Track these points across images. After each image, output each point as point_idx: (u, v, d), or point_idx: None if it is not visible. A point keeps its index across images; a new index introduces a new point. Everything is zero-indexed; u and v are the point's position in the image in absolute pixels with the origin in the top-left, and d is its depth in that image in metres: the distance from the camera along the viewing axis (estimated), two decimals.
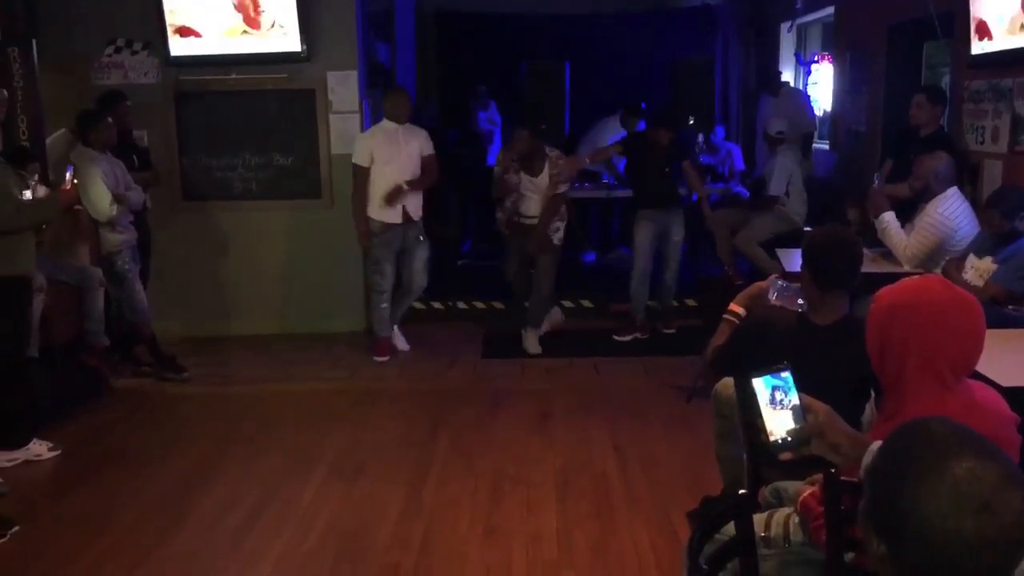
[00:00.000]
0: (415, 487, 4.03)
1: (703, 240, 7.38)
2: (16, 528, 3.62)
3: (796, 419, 1.70)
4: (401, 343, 6.16)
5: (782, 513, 2.35)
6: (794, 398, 1.70)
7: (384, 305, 5.93)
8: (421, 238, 5.96)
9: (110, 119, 5.34)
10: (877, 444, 1.71)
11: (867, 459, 1.69)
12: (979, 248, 4.13)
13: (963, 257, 4.18)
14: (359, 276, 6.55)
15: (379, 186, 5.73)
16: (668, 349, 5.91)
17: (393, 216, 5.80)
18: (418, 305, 6.69)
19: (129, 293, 5.43)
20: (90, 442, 4.68)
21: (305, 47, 6.13)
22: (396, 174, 5.72)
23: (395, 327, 6.12)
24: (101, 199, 5.13)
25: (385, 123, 5.80)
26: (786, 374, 1.69)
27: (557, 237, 6.00)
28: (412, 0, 9.00)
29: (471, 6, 9.33)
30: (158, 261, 6.15)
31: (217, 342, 6.32)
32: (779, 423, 1.69)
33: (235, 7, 6.05)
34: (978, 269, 4.08)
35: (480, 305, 6.63)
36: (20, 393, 4.32)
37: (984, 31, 4.77)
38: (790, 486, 2.46)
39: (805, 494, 2.22)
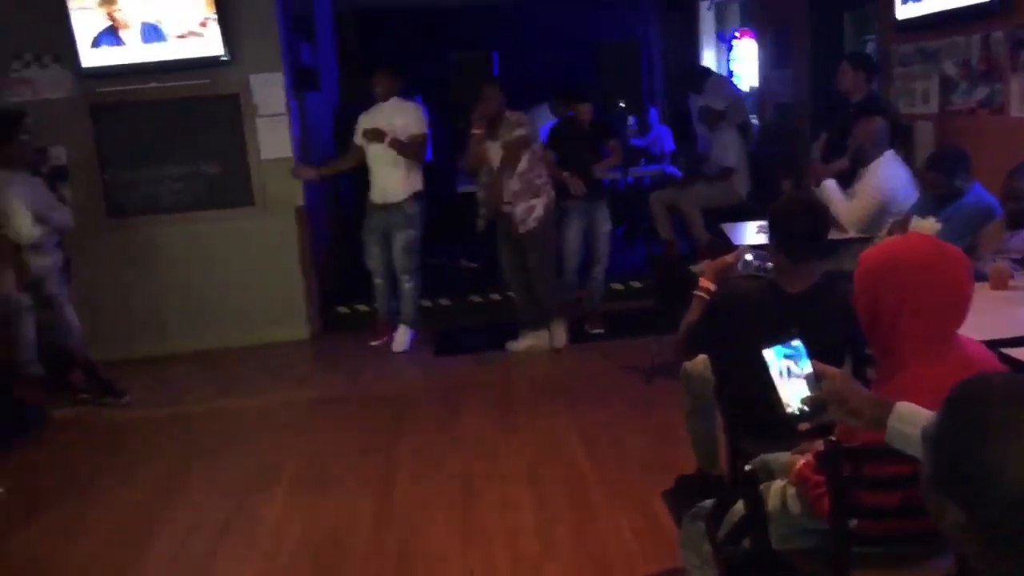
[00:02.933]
0: (384, 494, 3.92)
1: (642, 221, 7.41)
2: None
3: (810, 387, 1.67)
4: (398, 343, 6.01)
5: (776, 486, 2.32)
6: (807, 366, 1.67)
7: (377, 281, 6.01)
8: (405, 221, 5.83)
9: (23, 137, 5.06)
10: (905, 406, 1.69)
11: (897, 424, 1.66)
12: (921, 209, 4.20)
13: (907, 219, 4.25)
14: (299, 282, 6.39)
15: (374, 168, 5.84)
16: (624, 332, 5.88)
17: (375, 196, 5.85)
18: (363, 307, 6.57)
19: (60, 317, 5.17)
20: (35, 478, 4.44)
21: (227, 51, 5.93)
22: (379, 151, 5.75)
23: (402, 325, 6.02)
24: (22, 221, 4.85)
25: (378, 103, 5.87)
26: (797, 342, 1.66)
27: (535, 218, 5.52)
28: None
29: (391, 1, 9.18)
30: (86, 282, 5.88)
31: (157, 362, 6.08)
32: (793, 393, 1.66)
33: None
34: (922, 228, 4.12)
35: (427, 303, 6.51)
36: None
37: None
38: (778, 458, 2.45)
39: (799, 464, 2.20)
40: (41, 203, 5.01)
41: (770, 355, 1.64)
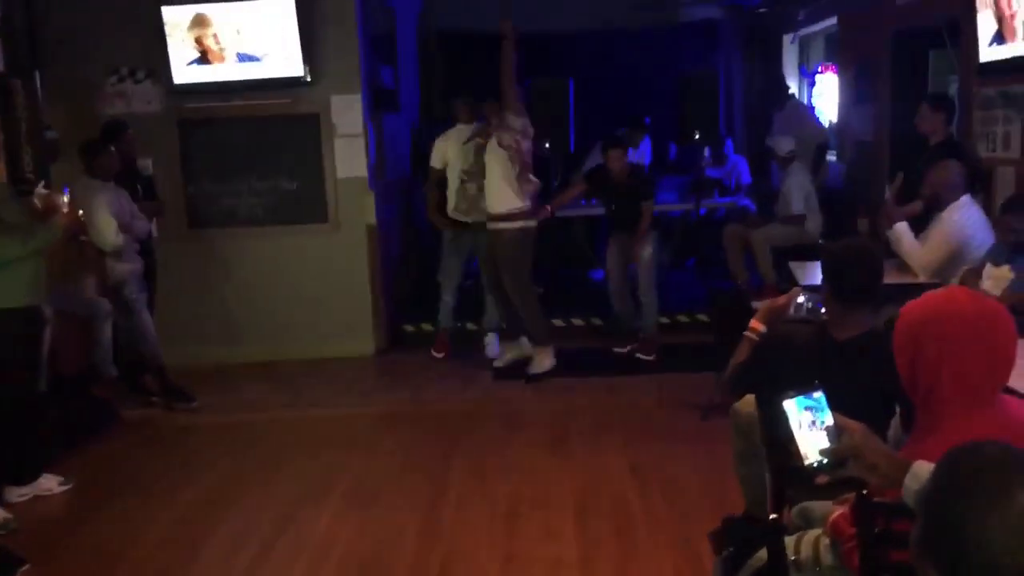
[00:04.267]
0: (431, 513, 3.97)
1: (713, 254, 7.34)
2: (27, 566, 3.56)
3: (830, 439, 1.65)
4: (491, 350, 6.23)
5: (811, 535, 2.29)
6: (827, 418, 1.65)
7: (447, 298, 6.25)
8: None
9: (113, 148, 5.32)
10: (922, 466, 1.66)
11: (912, 483, 1.64)
12: (996, 257, 4.07)
13: (980, 266, 4.13)
14: (367, 299, 6.53)
15: (451, 187, 6.06)
16: (685, 365, 5.83)
17: (458, 216, 6.06)
18: (427, 327, 6.66)
19: (137, 322, 5.40)
20: (101, 475, 4.63)
21: (308, 71, 6.12)
22: (456, 176, 6.00)
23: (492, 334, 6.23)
24: (107, 228, 5.10)
25: (458, 126, 6.10)
26: (818, 394, 1.64)
27: (511, 238, 5.56)
28: (414, 21, 9.01)
29: (473, 26, 9.32)
30: (164, 290, 6.12)
31: (226, 369, 6.27)
32: (812, 444, 1.64)
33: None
34: (996, 278, 4.01)
35: (473, 327, 6.56)
36: (30, 428, 4.27)
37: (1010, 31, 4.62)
38: (818, 507, 2.41)
39: (835, 515, 2.16)
40: (125, 212, 5.25)
41: (791, 405, 1.63)
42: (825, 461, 1.66)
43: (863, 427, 1.72)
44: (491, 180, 5.60)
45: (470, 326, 6.57)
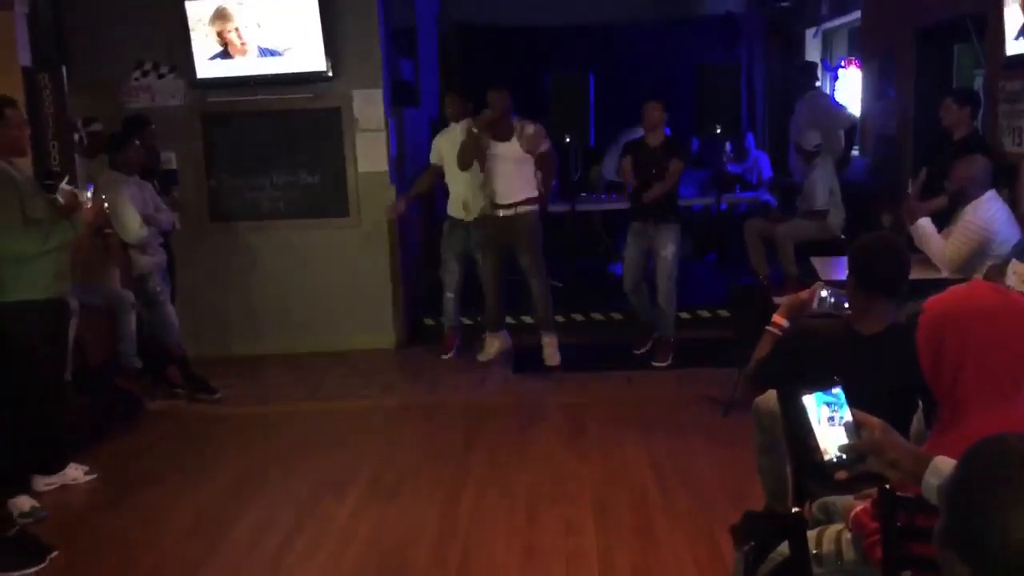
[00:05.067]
0: (451, 505, 3.99)
1: (734, 249, 7.31)
2: (55, 553, 3.61)
3: (850, 435, 1.65)
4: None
5: (833, 529, 2.30)
6: (847, 414, 1.65)
7: (449, 295, 6.24)
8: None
9: (137, 142, 5.38)
10: (942, 461, 1.66)
11: (932, 479, 1.64)
12: (1021, 253, 4.04)
13: (1005, 262, 4.09)
14: (387, 293, 6.56)
15: (452, 185, 6.07)
16: (706, 361, 5.81)
17: (456, 211, 6.08)
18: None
19: (161, 314, 5.46)
20: (126, 465, 4.69)
21: (330, 66, 6.15)
22: (454, 174, 5.96)
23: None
24: (131, 221, 5.16)
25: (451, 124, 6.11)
26: (837, 390, 1.64)
27: (532, 218, 5.75)
28: (434, 16, 9.03)
29: (493, 20, 9.34)
30: (186, 282, 6.17)
31: (248, 362, 6.33)
32: (832, 440, 1.64)
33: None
34: (1020, 274, 3.98)
35: (511, 320, 6.58)
36: (57, 418, 4.33)
37: None
38: (839, 501, 2.41)
39: (857, 510, 2.16)
40: (149, 205, 5.31)
41: (810, 401, 1.63)
42: (844, 457, 1.66)
43: (883, 423, 1.72)
44: (505, 173, 5.65)
45: (464, 320, 6.58)
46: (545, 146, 5.73)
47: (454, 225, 6.14)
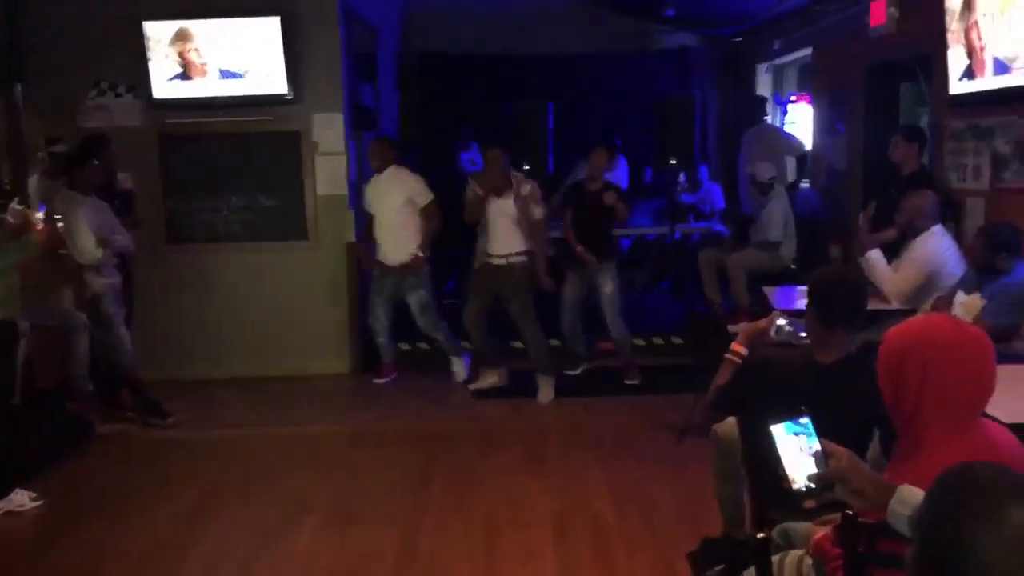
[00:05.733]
0: (411, 533, 3.97)
1: (688, 278, 7.42)
2: None
3: (818, 464, 1.70)
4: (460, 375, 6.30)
5: (794, 555, 2.34)
6: (815, 444, 1.70)
7: (380, 339, 6.25)
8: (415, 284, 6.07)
9: (97, 161, 5.30)
10: (907, 490, 1.72)
11: (898, 506, 1.70)
12: (967, 285, 4.18)
13: (952, 294, 4.23)
14: (344, 317, 6.53)
15: (379, 232, 6.10)
16: (662, 387, 5.88)
17: (383, 257, 6.08)
18: (404, 346, 6.65)
19: (114, 337, 5.35)
20: (75, 491, 4.57)
21: (291, 89, 6.14)
22: (381, 222, 6.03)
23: (456, 357, 6.29)
24: (86, 242, 5.08)
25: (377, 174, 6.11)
26: (806, 420, 1.69)
27: (524, 269, 5.85)
28: (395, 42, 9.05)
29: (454, 48, 9.40)
30: (143, 305, 6.08)
31: (204, 386, 6.23)
32: (800, 469, 1.69)
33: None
34: (966, 306, 4.12)
35: (467, 344, 6.57)
36: (2, 442, 4.22)
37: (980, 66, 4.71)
38: (799, 527, 2.46)
39: (818, 536, 2.21)
40: (105, 226, 5.22)
41: (778, 430, 1.68)
42: (813, 486, 1.70)
43: (849, 452, 1.77)
44: (501, 225, 5.79)
45: (422, 346, 6.62)
46: (539, 213, 5.83)
47: (384, 272, 6.12)
